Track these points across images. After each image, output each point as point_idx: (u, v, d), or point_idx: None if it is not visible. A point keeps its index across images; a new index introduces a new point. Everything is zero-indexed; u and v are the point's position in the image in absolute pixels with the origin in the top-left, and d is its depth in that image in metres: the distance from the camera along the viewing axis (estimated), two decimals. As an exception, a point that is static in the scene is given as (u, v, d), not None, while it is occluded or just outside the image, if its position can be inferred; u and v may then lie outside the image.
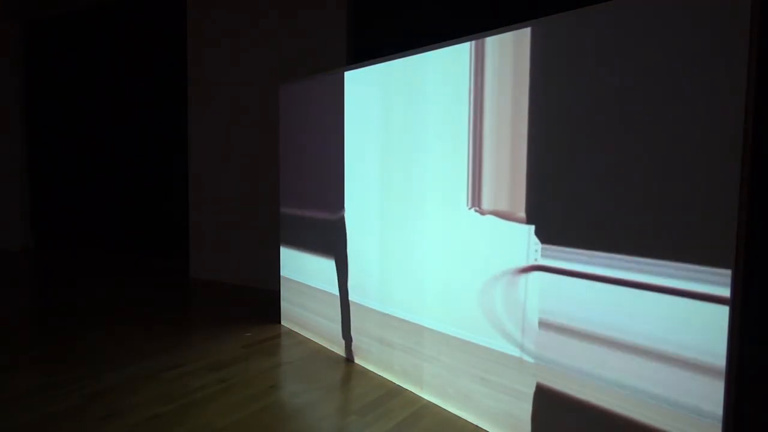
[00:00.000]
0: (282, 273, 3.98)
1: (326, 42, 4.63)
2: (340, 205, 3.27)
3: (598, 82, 1.91)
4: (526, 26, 2.14)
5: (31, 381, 2.84)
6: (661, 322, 1.75)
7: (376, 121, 2.95)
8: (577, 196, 1.97)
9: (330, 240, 3.39)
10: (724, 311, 1.61)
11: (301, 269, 3.73)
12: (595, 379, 1.93)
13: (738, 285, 1.60)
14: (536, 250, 2.11)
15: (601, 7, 1.90)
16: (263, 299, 4.72)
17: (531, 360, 2.16)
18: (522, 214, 2.17)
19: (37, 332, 3.91)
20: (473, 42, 2.36)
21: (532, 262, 2.13)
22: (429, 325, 2.67)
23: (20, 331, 3.87)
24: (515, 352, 2.22)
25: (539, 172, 2.11)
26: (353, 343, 3.24)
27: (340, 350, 3.34)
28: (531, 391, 2.16)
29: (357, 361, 3.21)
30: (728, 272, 1.60)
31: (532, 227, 2.13)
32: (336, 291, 3.36)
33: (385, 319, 2.96)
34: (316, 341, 3.58)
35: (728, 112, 1.59)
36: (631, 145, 1.82)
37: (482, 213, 2.34)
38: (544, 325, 2.10)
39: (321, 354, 3.37)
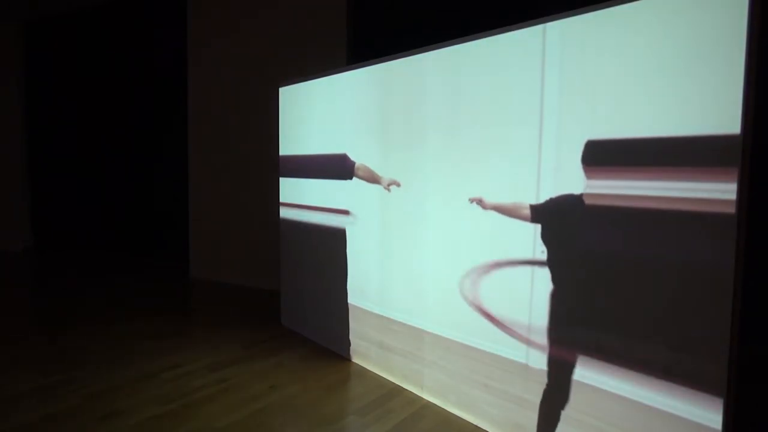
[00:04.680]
0: (282, 273, 3.98)
1: (326, 42, 4.63)
2: (340, 208, 3.27)
3: (598, 79, 1.91)
4: (526, 26, 2.14)
5: (30, 381, 2.84)
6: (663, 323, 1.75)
7: (376, 122, 2.95)
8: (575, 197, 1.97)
9: (330, 242, 3.39)
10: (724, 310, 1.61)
11: (301, 269, 3.73)
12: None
13: (738, 286, 1.60)
14: (543, 251, 2.09)
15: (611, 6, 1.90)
16: (263, 299, 4.72)
17: (537, 366, 2.14)
18: (527, 212, 2.14)
19: (36, 332, 3.91)
20: (474, 41, 2.36)
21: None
22: (430, 329, 2.66)
23: (20, 332, 3.87)
24: (521, 357, 2.21)
25: (548, 165, 2.08)
26: (352, 347, 3.24)
27: (340, 351, 3.34)
28: (537, 399, 2.14)
29: (357, 362, 3.21)
30: (729, 271, 1.60)
31: (538, 226, 2.10)
32: (335, 292, 3.35)
33: (384, 323, 2.96)
34: (316, 342, 3.58)
35: (728, 111, 1.59)
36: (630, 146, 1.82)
37: (484, 207, 2.32)
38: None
39: (321, 354, 3.37)
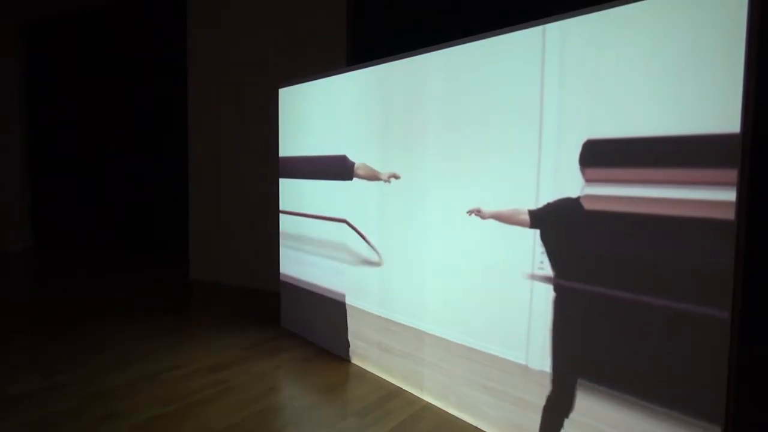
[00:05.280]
0: (282, 275, 3.98)
1: (326, 43, 4.62)
2: (339, 211, 3.27)
3: (597, 79, 1.91)
4: (526, 27, 2.14)
5: (30, 382, 2.84)
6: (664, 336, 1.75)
7: (376, 123, 2.95)
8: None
9: (329, 246, 3.38)
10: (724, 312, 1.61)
11: (301, 271, 3.73)
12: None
13: (737, 286, 1.60)
14: (542, 252, 2.09)
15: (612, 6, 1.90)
16: (263, 301, 4.71)
17: (537, 368, 2.14)
18: (525, 217, 2.14)
19: (36, 333, 3.90)
20: (474, 42, 2.36)
21: (538, 265, 2.10)
22: (430, 331, 2.66)
23: (20, 332, 3.86)
24: (520, 359, 2.21)
25: (547, 166, 2.08)
26: (351, 348, 3.24)
27: (339, 352, 3.34)
28: (537, 400, 2.14)
29: (356, 363, 3.21)
30: (729, 272, 1.60)
31: (537, 231, 2.10)
32: (335, 294, 3.35)
33: (384, 324, 2.95)
34: (315, 343, 3.58)
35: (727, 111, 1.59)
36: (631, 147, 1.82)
37: (483, 217, 2.32)
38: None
39: (320, 356, 3.37)
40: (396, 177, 2.76)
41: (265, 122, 4.80)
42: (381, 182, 2.91)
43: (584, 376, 1.96)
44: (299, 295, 3.75)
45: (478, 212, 2.32)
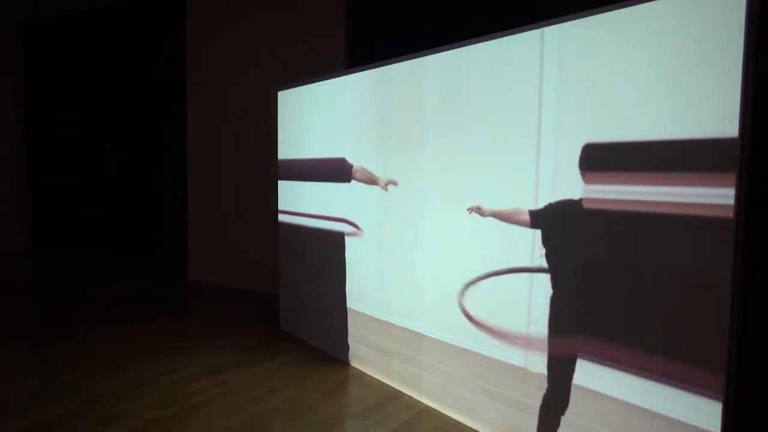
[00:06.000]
0: (280, 277, 3.98)
1: (325, 46, 4.61)
2: (338, 211, 3.26)
3: (596, 82, 1.90)
4: (525, 30, 2.13)
5: (29, 384, 2.84)
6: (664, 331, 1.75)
7: (375, 125, 2.94)
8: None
9: (328, 247, 3.38)
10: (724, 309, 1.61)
11: (300, 273, 3.73)
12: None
13: (738, 285, 1.60)
14: (541, 255, 2.08)
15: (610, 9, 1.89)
16: (262, 303, 4.71)
17: (536, 370, 2.14)
18: (525, 217, 2.13)
19: (35, 335, 3.90)
20: (473, 45, 2.35)
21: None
22: (429, 333, 2.66)
23: (18, 334, 3.86)
24: (519, 361, 2.20)
25: (546, 169, 2.07)
26: (351, 351, 3.23)
27: (339, 355, 3.34)
28: (536, 403, 2.14)
29: (355, 366, 3.21)
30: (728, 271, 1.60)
31: (538, 231, 2.09)
32: (334, 296, 3.35)
33: (383, 327, 2.95)
34: (315, 346, 3.58)
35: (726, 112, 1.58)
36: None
37: (483, 215, 2.31)
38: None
39: (320, 358, 3.37)
40: (394, 184, 2.76)
41: (264, 123, 4.79)
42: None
43: (580, 375, 1.96)
44: (299, 297, 3.75)
45: (478, 210, 2.32)
